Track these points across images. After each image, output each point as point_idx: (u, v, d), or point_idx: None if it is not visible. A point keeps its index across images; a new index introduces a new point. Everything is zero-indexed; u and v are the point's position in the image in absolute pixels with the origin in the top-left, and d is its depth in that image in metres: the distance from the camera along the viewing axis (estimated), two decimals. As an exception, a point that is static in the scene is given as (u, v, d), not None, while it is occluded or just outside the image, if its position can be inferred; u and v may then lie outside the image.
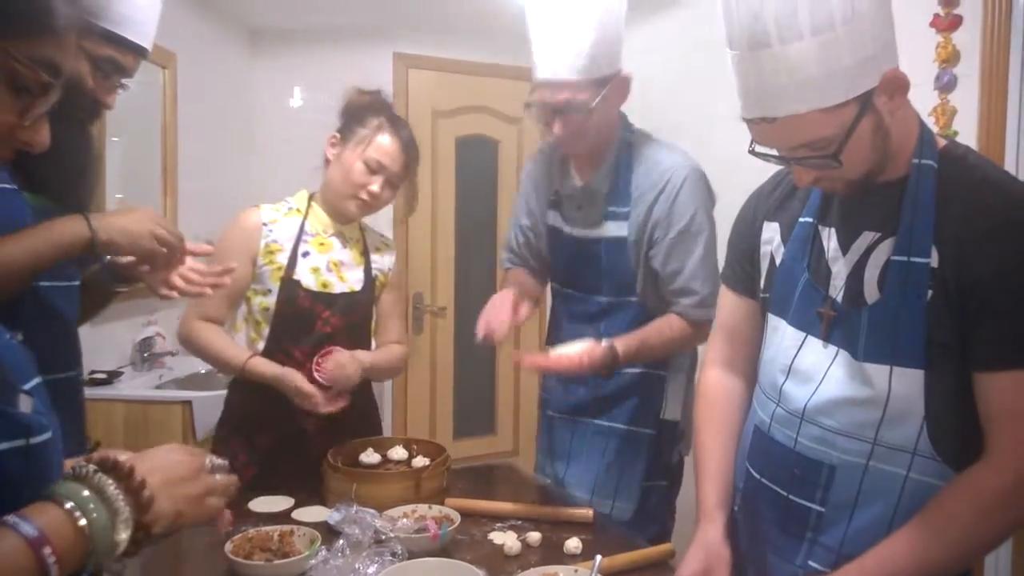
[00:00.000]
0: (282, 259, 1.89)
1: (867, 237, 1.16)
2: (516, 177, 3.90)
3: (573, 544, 1.51)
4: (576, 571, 1.33)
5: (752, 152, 1.15)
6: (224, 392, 2.01)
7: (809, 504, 1.20)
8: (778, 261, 1.28)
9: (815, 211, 1.24)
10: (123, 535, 0.72)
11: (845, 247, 1.18)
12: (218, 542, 1.44)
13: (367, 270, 1.99)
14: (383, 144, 1.86)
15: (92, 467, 0.73)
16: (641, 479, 1.85)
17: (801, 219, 1.25)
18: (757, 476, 1.29)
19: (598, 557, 1.30)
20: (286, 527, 1.49)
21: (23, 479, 0.70)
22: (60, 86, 0.73)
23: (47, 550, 0.65)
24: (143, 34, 1.41)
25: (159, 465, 0.79)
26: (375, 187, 1.87)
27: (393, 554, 1.42)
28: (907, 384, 1.10)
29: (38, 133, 0.75)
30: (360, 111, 1.91)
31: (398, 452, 1.82)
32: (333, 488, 1.67)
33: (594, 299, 1.88)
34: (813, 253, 1.23)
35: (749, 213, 1.36)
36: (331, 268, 1.93)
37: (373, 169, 1.86)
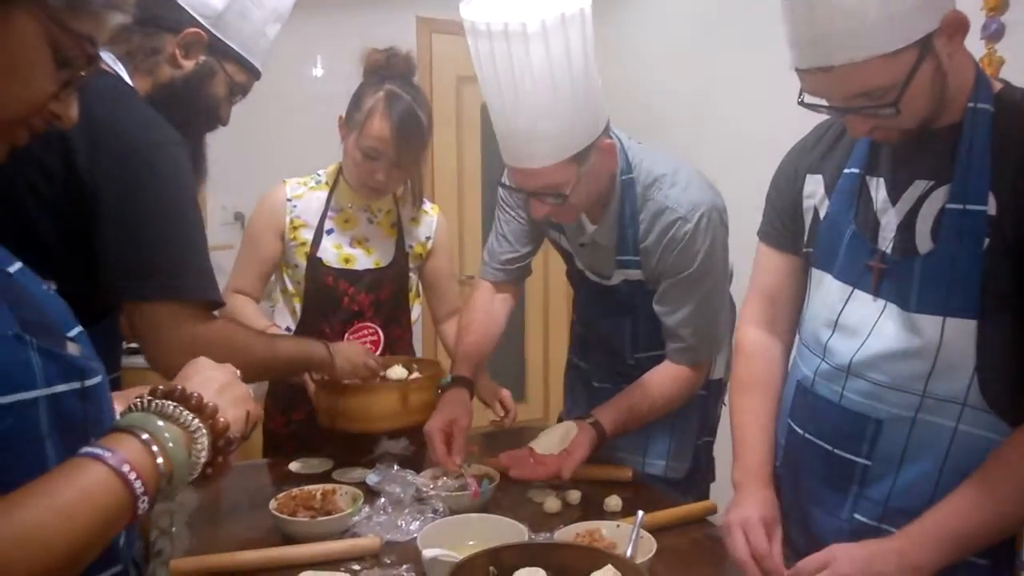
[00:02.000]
0: (306, 235, 1.89)
1: (919, 186, 1.13)
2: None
3: (614, 502, 1.51)
4: (618, 526, 1.33)
5: (802, 103, 1.12)
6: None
7: (855, 458, 1.18)
8: (822, 214, 1.26)
9: (862, 162, 1.21)
10: (199, 446, 0.74)
11: (895, 197, 1.16)
12: (261, 501, 1.46)
13: (399, 243, 1.96)
14: (374, 129, 1.75)
15: (147, 397, 0.75)
16: (695, 439, 1.84)
17: (846, 170, 1.22)
18: (800, 431, 1.27)
19: (640, 513, 1.30)
20: (328, 486, 1.50)
21: (81, 422, 0.71)
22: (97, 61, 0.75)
23: (133, 475, 0.67)
24: (264, 62, 1.51)
25: (205, 379, 0.82)
26: (379, 176, 1.80)
27: (434, 511, 1.43)
28: (959, 335, 1.08)
29: (69, 108, 0.76)
30: (362, 86, 1.82)
31: (396, 371, 1.77)
32: (320, 405, 1.70)
33: (631, 305, 1.77)
34: (860, 205, 1.20)
35: (790, 167, 1.33)
36: (355, 244, 1.92)
37: (371, 156, 1.78)
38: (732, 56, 3.20)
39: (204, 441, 0.75)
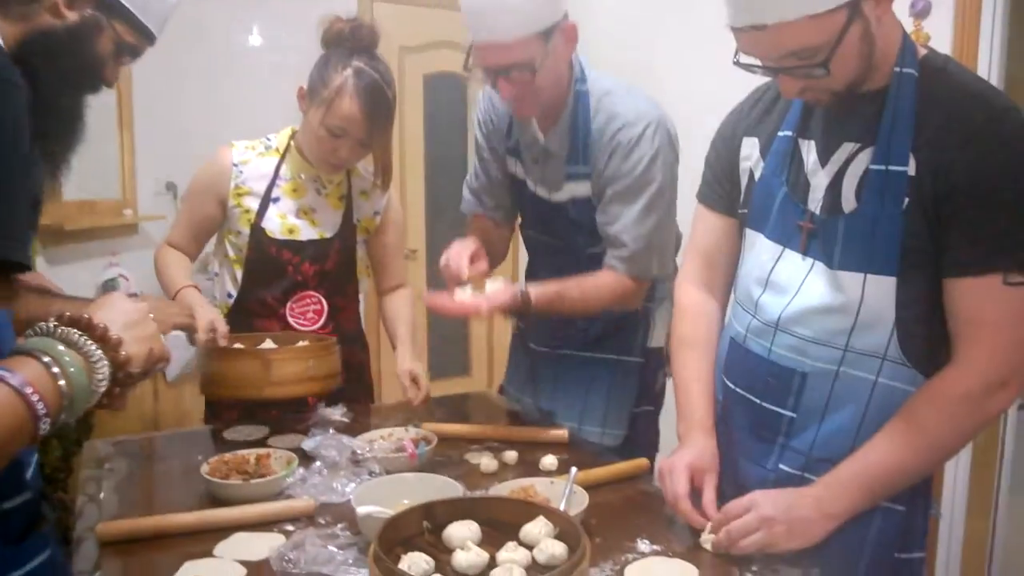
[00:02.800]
0: (250, 203, 1.85)
1: (847, 148, 1.16)
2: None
3: (549, 461, 1.53)
4: (552, 483, 1.35)
5: (737, 63, 1.13)
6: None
7: (781, 410, 1.22)
8: (757, 176, 1.28)
9: (794, 125, 1.24)
10: (100, 376, 0.75)
11: (824, 159, 1.19)
12: (193, 466, 1.43)
13: (346, 215, 1.92)
14: (344, 108, 1.70)
15: (53, 322, 0.76)
16: (631, 406, 1.86)
17: (780, 133, 1.25)
18: (732, 386, 1.31)
19: (573, 469, 1.32)
20: (262, 450, 1.48)
21: None
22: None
23: (32, 393, 0.68)
24: (161, 27, 1.46)
25: (117, 311, 0.83)
26: (342, 153, 1.78)
27: (370, 473, 1.43)
28: (879, 291, 1.12)
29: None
30: (327, 60, 1.75)
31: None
32: (199, 365, 1.74)
33: (573, 246, 1.81)
34: (792, 167, 1.23)
35: (728, 130, 1.36)
36: (301, 214, 1.88)
37: (337, 134, 1.75)
38: (676, 18, 3.23)
39: (105, 371, 0.77)
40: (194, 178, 1.92)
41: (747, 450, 1.28)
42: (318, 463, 1.45)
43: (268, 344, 1.76)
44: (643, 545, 1.21)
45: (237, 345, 1.70)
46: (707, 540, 1.18)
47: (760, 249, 1.26)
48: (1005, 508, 2.43)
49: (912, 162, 1.09)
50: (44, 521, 0.81)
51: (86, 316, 0.77)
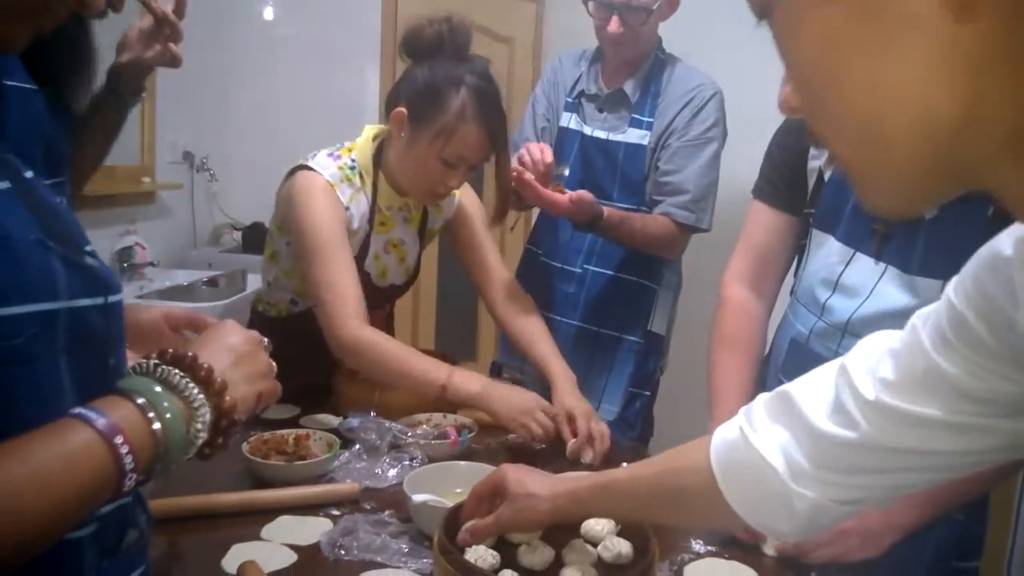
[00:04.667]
0: (352, 244, 1.59)
1: None
2: (508, 101, 3.79)
3: (589, 455, 1.49)
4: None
5: None
6: (209, 304, 1.93)
7: None
8: (827, 176, 1.25)
9: None
10: (199, 424, 0.66)
11: None
12: (231, 445, 1.39)
13: (420, 232, 1.74)
14: (469, 138, 1.49)
15: (153, 361, 0.67)
16: (627, 384, 1.93)
17: None
18: (782, 379, 1.28)
19: (624, 465, 1.29)
20: (300, 431, 1.45)
21: (104, 339, 0.65)
22: None
23: (119, 439, 0.59)
24: None
25: (223, 347, 0.73)
26: (454, 183, 1.56)
27: (412, 459, 1.40)
28: None
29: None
30: (433, 77, 1.49)
31: None
32: (350, 396, 1.62)
33: (600, 203, 1.82)
34: None
35: (796, 127, 1.32)
36: (389, 248, 1.69)
37: (454, 164, 1.52)
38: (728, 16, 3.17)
39: (206, 419, 0.67)
40: (323, 219, 1.52)
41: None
42: (357, 446, 1.42)
43: None
44: (697, 545, 1.18)
45: None
46: (770, 547, 1.16)
47: (829, 251, 1.23)
48: None
49: None
50: (140, 530, 0.73)
51: (191, 355, 0.68)
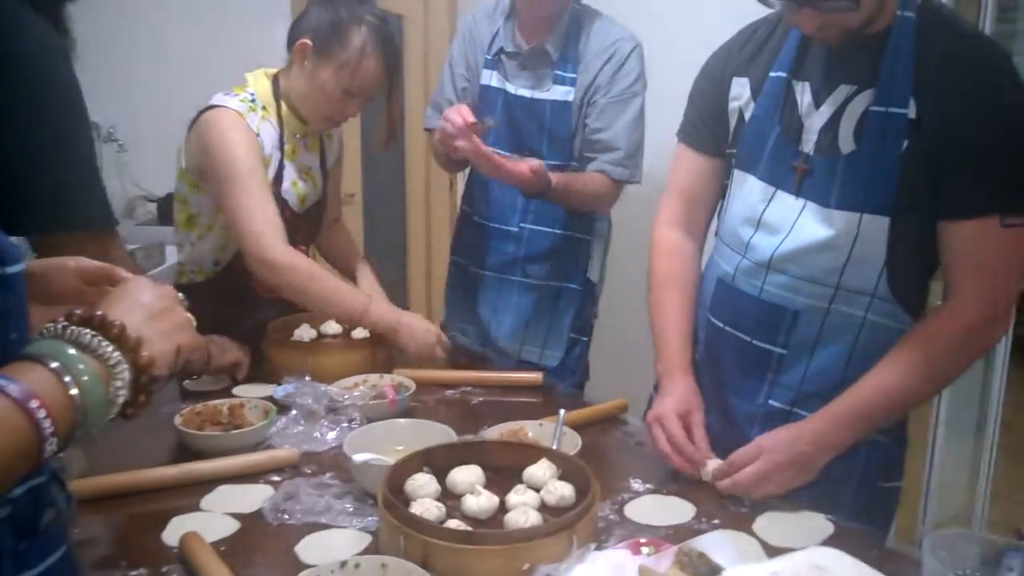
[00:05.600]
0: (269, 171, 1.64)
1: (844, 90, 1.17)
2: (423, 55, 3.72)
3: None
4: (540, 424, 1.34)
5: None
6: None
7: (772, 347, 1.24)
8: (747, 116, 1.28)
9: (788, 66, 1.23)
10: (119, 383, 0.64)
11: (819, 100, 1.19)
12: (159, 418, 1.36)
13: (322, 160, 1.82)
14: (369, 69, 1.61)
15: (62, 323, 0.64)
16: (568, 330, 1.98)
17: (772, 74, 1.24)
18: (720, 325, 1.32)
19: (562, 411, 1.32)
20: (235, 400, 1.42)
21: (1, 314, 0.62)
22: None
23: (35, 403, 0.57)
24: None
25: (134, 304, 0.71)
26: (351, 110, 1.68)
27: (350, 421, 1.39)
28: (873, 230, 1.14)
29: None
30: (335, 13, 1.60)
31: (332, 326, 1.74)
32: (284, 363, 1.59)
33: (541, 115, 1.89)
34: (785, 108, 1.23)
35: (716, 70, 1.34)
36: (303, 175, 1.75)
37: (353, 94, 1.64)
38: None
39: (125, 377, 0.65)
40: (240, 153, 1.56)
41: (736, 387, 1.30)
42: (294, 412, 1.40)
43: (307, 331, 1.70)
44: (636, 484, 1.21)
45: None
46: (708, 473, 1.19)
47: (750, 190, 1.26)
48: (943, 444, 2.55)
49: (912, 105, 1.10)
50: (58, 511, 0.70)
51: (99, 313, 0.65)
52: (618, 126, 1.83)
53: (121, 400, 0.65)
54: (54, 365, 0.60)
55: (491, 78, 1.93)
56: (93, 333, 0.64)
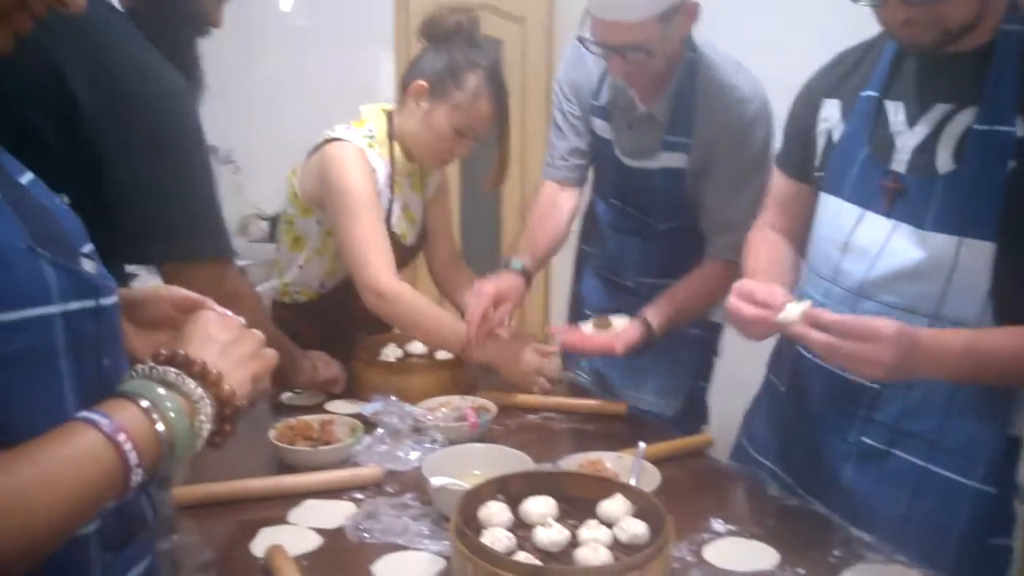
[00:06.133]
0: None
1: (941, 109, 1.12)
2: (521, 80, 3.75)
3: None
4: (620, 457, 1.33)
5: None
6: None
7: (864, 382, 1.19)
8: (835, 138, 1.25)
9: (880, 86, 1.20)
10: (203, 416, 0.69)
11: (913, 120, 1.15)
12: (258, 431, 1.43)
13: (423, 212, 1.88)
14: (482, 111, 1.68)
15: (150, 363, 0.70)
16: (690, 377, 1.87)
17: (863, 93, 1.21)
18: (809, 356, 1.27)
19: (642, 445, 1.30)
20: (325, 416, 1.48)
21: (95, 343, 0.67)
22: None
23: (122, 437, 0.62)
24: None
25: (207, 339, 0.75)
26: (461, 151, 1.74)
27: (432, 442, 1.42)
28: (975, 257, 1.08)
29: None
30: (451, 57, 1.67)
31: (417, 346, 1.78)
32: (370, 382, 1.65)
33: (647, 221, 1.80)
34: (876, 127, 1.19)
35: (807, 92, 1.32)
36: (404, 213, 1.82)
37: (464, 134, 1.71)
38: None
39: (208, 411, 0.70)
40: (358, 181, 1.64)
41: (824, 422, 1.25)
42: (380, 430, 1.45)
43: (393, 350, 1.76)
44: (717, 525, 1.19)
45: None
46: (790, 316, 1.07)
47: (837, 212, 1.23)
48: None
49: (1020, 123, 1.05)
50: (146, 525, 0.76)
51: (181, 352, 0.70)
52: (740, 203, 1.60)
53: (206, 432, 0.70)
54: (144, 404, 0.65)
55: (604, 129, 1.79)
56: (177, 372, 0.69)
